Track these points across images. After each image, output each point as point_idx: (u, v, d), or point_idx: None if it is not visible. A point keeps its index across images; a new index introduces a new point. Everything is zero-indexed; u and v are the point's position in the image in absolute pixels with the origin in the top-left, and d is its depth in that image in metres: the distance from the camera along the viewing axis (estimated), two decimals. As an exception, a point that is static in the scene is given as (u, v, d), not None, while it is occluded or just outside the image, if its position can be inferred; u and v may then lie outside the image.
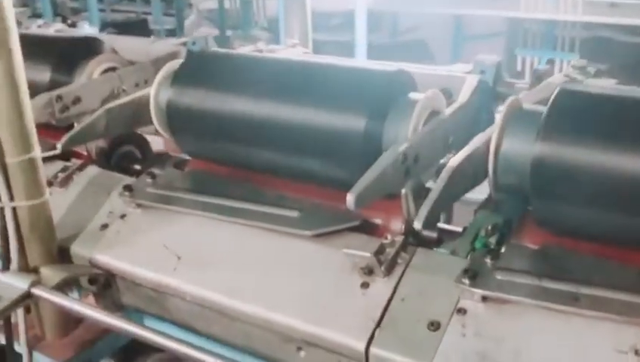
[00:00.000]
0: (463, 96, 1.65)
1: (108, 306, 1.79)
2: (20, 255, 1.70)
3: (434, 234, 1.62)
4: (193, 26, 8.37)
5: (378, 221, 1.64)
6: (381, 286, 1.45)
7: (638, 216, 1.33)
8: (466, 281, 1.36)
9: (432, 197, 1.35)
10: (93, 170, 2.02)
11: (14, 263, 1.70)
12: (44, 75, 2.15)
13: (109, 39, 2.41)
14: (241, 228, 1.67)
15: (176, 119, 1.82)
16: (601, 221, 1.37)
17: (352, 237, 1.56)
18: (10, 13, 1.56)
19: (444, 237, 1.64)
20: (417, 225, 1.33)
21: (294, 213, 1.64)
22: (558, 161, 1.36)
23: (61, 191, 1.96)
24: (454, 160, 1.40)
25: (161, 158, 2.19)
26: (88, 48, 2.26)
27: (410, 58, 2.14)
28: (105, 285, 1.77)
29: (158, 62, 2.07)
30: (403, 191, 1.48)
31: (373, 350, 1.36)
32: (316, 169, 1.67)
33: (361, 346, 1.37)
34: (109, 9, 9.05)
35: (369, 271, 1.46)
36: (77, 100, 2.03)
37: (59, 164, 2.04)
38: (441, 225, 1.69)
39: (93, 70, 2.18)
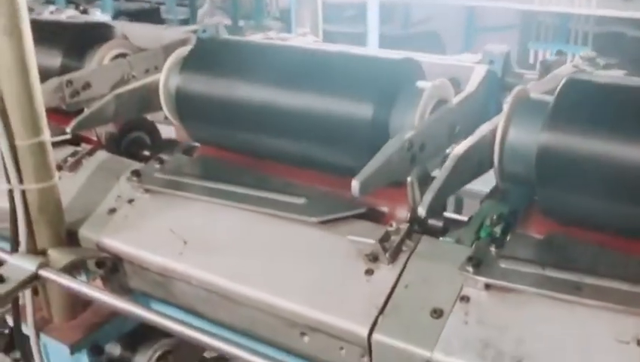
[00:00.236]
0: (470, 85, 1.65)
1: (115, 290, 1.80)
2: (29, 237, 1.72)
3: (440, 223, 1.62)
4: (206, 15, 8.38)
5: (384, 209, 1.64)
6: (385, 274, 1.45)
7: (643, 207, 1.33)
8: (470, 269, 1.36)
9: (436, 183, 1.35)
10: (102, 155, 2.03)
11: (23, 245, 1.72)
12: (55, 60, 2.16)
13: (121, 26, 2.42)
14: (247, 214, 1.68)
15: (185, 105, 1.83)
16: (606, 211, 1.37)
17: (358, 225, 1.57)
18: (22, -1, 1.57)
19: (450, 226, 1.64)
20: (421, 211, 1.33)
21: (300, 200, 1.65)
22: (563, 150, 1.36)
23: (70, 175, 1.97)
24: (460, 148, 1.40)
25: (170, 145, 2.21)
26: (99, 34, 2.27)
27: (421, 49, 2.14)
28: (112, 269, 1.78)
29: (169, 49, 2.07)
30: (409, 178, 1.48)
31: (375, 336, 1.37)
32: (323, 156, 1.68)
33: (363, 332, 1.38)
34: (122, -3, 9.07)
35: (374, 258, 1.47)
36: (87, 85, 2.05)
37: (69, 149, 2.05)
38: (447, 214, 1.69)
39: (103, 56, 2.19)
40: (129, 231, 1.77)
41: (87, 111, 1.85)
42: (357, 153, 1.56)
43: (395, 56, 1.70)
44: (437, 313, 1.36)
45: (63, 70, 2.12)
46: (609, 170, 1.33)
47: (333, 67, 1.69)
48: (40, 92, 1.67)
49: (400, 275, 1.44)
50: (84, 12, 3.08)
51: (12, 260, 1.67)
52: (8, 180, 1.69)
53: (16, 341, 1.88)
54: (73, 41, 2.21)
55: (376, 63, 1.67)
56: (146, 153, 2.18)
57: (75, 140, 2.10)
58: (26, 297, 1.81)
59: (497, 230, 1.50)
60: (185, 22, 7.88)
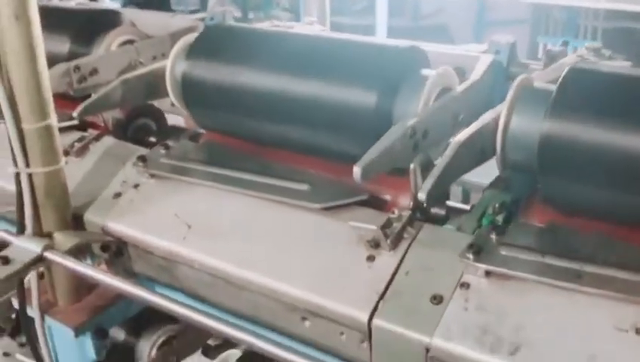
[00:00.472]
0: (475, 74, 1.65)
1: (119, 274, 1.82)
2: (35, 220, 1.74)
3: (442, 212, 1.63)
4: (216, 6, 8.37)
5: (387, 197, 1.65)
6: (386, 260, 1.46)
7: (645, 195, 1.33)
8: (470, 256, 1.37)
9: (437, 170, 1.36)
10: (109, 140, 2.05)
11: (29, 228, 1.73)
12: (63, 46, 2.18)
13: (129, 13, 2.43)
14: (250, 200, 1.69)
15: (191, 91, 1.85)
16: (607, 200, 1.37)
17: (360, 212, 1.58)
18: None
19: (453, 215, 1.65)
20: (421, 196, 1.34)
21: (304, 187, 1.65)
22: (565, 138, 1.36)
23: (77, 160, 1.99)
24: (462, 135, 1.41)
25: (177, 131, 2.22)
26: (107, 21, 2.28)
27: (430, 42, 2.15)
28: (117, 253, 1.80)
29: (176, 37, 2.08)
30: (411, 166, 1.49)
31: (375, 321, 1.38)
32: (327, 143, 1.68)
33: (364, 317, 1.39)
34: (131, -14, 9.05)
35: (375, 245, 1.48)
36: (94, 71, 2.06)
37: (76, 134, 2.07)
38: (449, 203, 1.69)
39: (111, 42, 2.21)
40: (134, 215, 1.78)
41: (93, 97, 1.86)
42: (360, 140, 1.56)
43: (399, 43, 1.70)
44: (437, 299, 1.36)
45: (71, 56, 2.13)
46: (611, 158, 1.33)
47: (338, 54, 1.69)
48: (47, 77, 1.68)
49: (401, 262, 1.45)
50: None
51: (17, 242, 1.68)
52: (15, 163, 1.71)
53: (21, 323, 1.90)
54: (81, 28, 2.23)
55: (381, 51, 1.68)
56: (153, 139, 2.20)
57: (82, 126, 2.12)
58: (32, 280, 1.83)
59: (499, 218, 1.50)
60: (195, 13, 7.86)
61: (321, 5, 4.35)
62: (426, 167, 1.50)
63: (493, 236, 1.41)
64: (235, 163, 1.79)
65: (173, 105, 1.98)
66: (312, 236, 1.58)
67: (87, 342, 1.86)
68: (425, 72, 1.61)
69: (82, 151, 2.00)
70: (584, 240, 1.39)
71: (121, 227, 1.78)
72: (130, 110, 2.17)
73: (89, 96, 2.03)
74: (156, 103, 2.25)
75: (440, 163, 1.37)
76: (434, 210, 1.62)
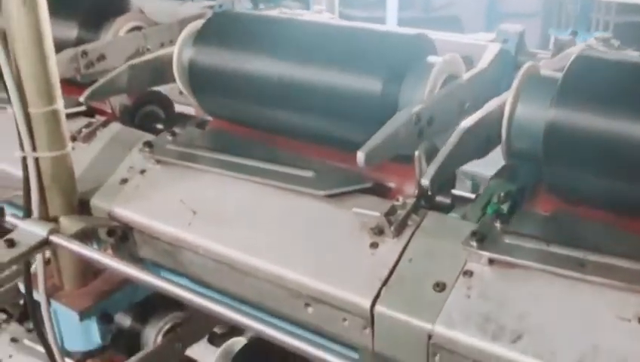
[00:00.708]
0: (482, 62, 1.64)
1: (125, 259, 1.82)
2: (41, 205, 1.74)
3: (447, 200, 1.62)
4: (227, -2, 8.36)
5: (391, 184, 1.65)
6: (390, 247, 1.46)
7: (651, 185, 1.32)
8: (474, 244, 1.36)
9: (441, 156, 1.35)
10: (116, 126, 2.05)
11: (35, 212, 1.74)
12: (71, 32, 2.18)
13: (137, 0, 2.43)
14: (256, 187, 1.69)
15: (197, 78, 1.85)
16: (613, 189, 1.36)
17: (365, 199, 1.58)
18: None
19: (459, 204, 1.65)
20: (424, 181, 1.34)
21: (309, 173, 1.65)
22: (571, 127, 1.35)
23: (84, 146, 2.00)
24: (467, 121, 1.40)
25: (184, 119, 2.22)
26: (115, 7, 2.28)
27: (439, 33, 2.14)
28: (122, 238, 1.81)
29: (184, 23, 2.08)
30: (416, 153, 1.48)
31: (378, 308, 1.38)
32: (333, 130, 1.68)
33: (366, 304, 1.39)
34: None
35: (379, 232, 1.47)
36: (102, 57, 2.06)
37: (83, 120, 2.08)
38: (455, 191, 1.69)
39: (119, 28, 2.21)
40: (140, 201, 1.79)
41: (100, 81, 1.86)
42: (366, 127, 1.55)
43: (406, 31, 1.69)
44: (440, 286, 1.36)
45: (79, 42, 2.13)
46: (617, 147, 1.32)
47: (345, 41, 1.69)
48: (54, 61, 1.69)
49: (404, 249, 1.45)
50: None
51: (24, 225, 1.69)
52: (22, 148, 1.71)
53: (28, 307, 1.91)
54: (89, 13, 2.23)
55: (388, 38, 1.68)
56: (160, 127, 2.20)
57: (90, 112, 2.13)
58: (38, 264, 1.84)
59: (504, 207, 1.50)
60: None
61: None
62: (431, 155, 1.49)
63: (498, 224, 1.40)
64: (240, 150, 1.79)
65: (181, 93, 1.98)
66: (316, 223, 1.58)
67: (93, 326, 1.87)
68: (431, 59, 1.60)
69: (89, 137, 2.01)
70: (588, 229, 1.39)
71: (127, 212, 1.78)
72: (138, 97, 2.17)
73: (96, 81, 2.04)
74: (165, 91, 2.26)
75: (444, 149, 1.37)
76: (439, 198, 1.61)
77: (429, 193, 1.50)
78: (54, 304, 1.87)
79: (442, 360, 1.32)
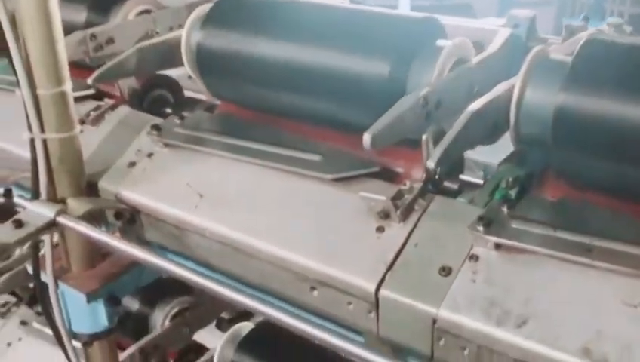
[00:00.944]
0: (492, 47, 1.63)
1: (132, 242, 1.83)
2: (49, 186, 1.75)
3: (455, 186, 1.61)
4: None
5: (399, 169, 1.64)
6: (396, 231, 1.46)
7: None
8: (480, 228, 1.35)
9: (447, 138, 1.34)
10: (124, 110, 2.05)
11: (43, 194, 1.74)
12: (80, 14, 2.18)
13: (147, -17, 2.42)
14: (263, 170, 1.69)
15: (205, 61, 1.84)
16: (621, 175, 1.35)
17: (371, 183, 1.57)
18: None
19: (466, 189, 1.64)
20: (430, 164, 1.33)
21: (316, 157, 1.65)
22: (581, 111, 1.34)
23: (93, 129, 2.00)
24: (475, 104, 1.39)
25: (193, 103, 2.22)
26: (125, -10, 2.28)
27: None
28: (130, 221, 1.81)
29: (193, 7, 2.07)
30: (424, 137, 1.47)
31: (383, 292, 1.38)
32: (340, 114, 1.68)
33: (371, 288, 1.39)
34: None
35: (385, 216, 1.47)
36: (110, 40, 2.06)
37: (92, 104, 2.08)
38: (463, 177, 1.68)
39: (128, 11, 2.20)
40: (147, 184, 1.79)
41: (108, 63, 1.86)
42: (374, 111, 1.54)
43: (416, 15, 1.68)
44: (445, 271, 1.35)
45: (88, 25, 2.13)
46: (626, 132, 1.30)
47: (353, 24, 1.68)
48: (62, 42, 1.68)
49: (410, 233, 1.44)
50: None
51: (31, 206, 1.70)
52: (30, 129, 1.72)
53: (35, 288, 1.92)
54: (98, -3, 2.23)
55: (396, 21, 1.66)
56: (168, 111, 2.20)
57: (99, 96, 2.13)
58: (46, 246, 1.84)
59: (512, 193, 1.49)
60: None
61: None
62: (439, 139, 1.48)
63: (505, 209, 1.39)
64: (248, 133, 1.79)
65: (190, 77, 1.98)
66: (322, 206, 1.57)
67: (100, 308, 1.87)
68: (440, 42, 1.59)
69: (98, 119, 2.01)
70: (596, 215, 1.37)
71: (134, 195, 1.79)
72: (147, 80, 2.17)
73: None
74: (175, 76, 2.26)
75: (451, 132, 1.36)
76: (446, 184, 1.60)
77: (436, 177, 1.50)
78: (62, 286, 1.87)
79: (447, 344, 1.32)
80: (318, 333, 1.34)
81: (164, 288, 2.51)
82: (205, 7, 1.89)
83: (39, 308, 2.54)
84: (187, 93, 2.33)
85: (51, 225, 1.67)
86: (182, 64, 1.90)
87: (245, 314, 2.59)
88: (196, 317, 2.46)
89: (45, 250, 1.85)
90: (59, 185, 1.77)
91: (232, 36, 1.79)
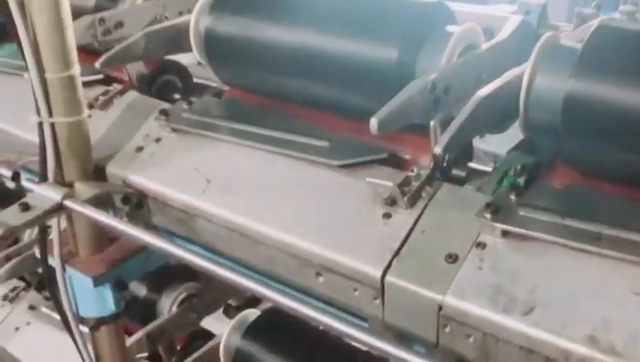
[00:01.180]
0: (502, 33, 1.61)
1: (139, 227, 1.83)
2: (56, 170, 1.75)
3: (463, 173, 1.60)
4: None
5: (407, 156, 1.63)
6: (403, 218, 1.45)
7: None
8: (488, 215, 1.34)
9: (456, 123, 1.33)
10: (133, 95, 2.05)
11: (50, 178, 1.75)
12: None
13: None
14: (270, 156, 1.68)
15: (214, 46, 1.83)
16: (631, 162, 1.33)
17: (379, 170, 1.56)
18: None
19: (474, 176, 1.62)
20: (437, 149, 1.32)
21: (323, 143, 1.64)
22: (591, 98, 1.32)
23: (101, 113, 2.00)
24: (484, 90, 1.38)
25: (201, 89, 2.22)
26: (134, -26, 2.27)
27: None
28: (137, 205, 1.81)
29: (203, -8, 2.06)
30: (432, 123, 1.46)
31: (388, 278, 1.37)
32: (348, 100, 1.67)
33: (377, 274, 1.38)
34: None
35: (392, 202, 1.46)
36: (119, 25, 2.06)
37: (100, 88, 2.09)
38: (471, 164, 1.66)
39: (137, -4, 2.20)
40: (155, 168, 1.79)
41: (116, 47, 1.86)
42: (382, 97, 1.53)
43: (426, 0, 1.66)
44: (452, 258, 1.34)
45: (97, 9, 2.13)
46: (637, 119, 1.29)
47: (362, 9, 1.66)
48: (71, 26, 1.68)
49: (417, 220, 1.43)
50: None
51: (38, 189, 1.70)
52: (38, 113, 1.72)
53: (43, 272, 1.93)
54: (108, -19, 2.22)
55: (406, 6, 1.64)
56: (177, 97, 2.19)
57: (107, 81, 2.13)
58: (53, 230, 1.84)
59: (520, 181, 1.47)
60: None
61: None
62: (447, 126, 1.47)
63: (513, 196, 1.38)
64: (256, 119, 1.78)
65: (199, 63, 1.98)
66: (329, 192, 1.57)
67: (107, 292, 1.87)
68: (450, 28, 1.57)
69: (106, 104, 2.01)
70: (605, 203, 1.36)
71: (141, 180, 1.79)
72: (156, 66, 2.17)
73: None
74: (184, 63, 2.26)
75: (459, 117, 1.35)
76: (454, 171, 1.59)
77: (444, 164, 1.49)
78: (69, 270, 1.88)
79: (452, 331, 1.31)
80: (326, 319, 1.33)
81: (171, 274, 2.52)
82: (214, -8, 1.88)
83: (47, 293, 2.55)
84: (196, 81, 2.32)
85: (58, 209, 1.67)
86: (190, 49, 1.89)
87: (252, 301, 2.59)
88: (203, 304, 2.47)
89: (53, 234, 1.85)
90: (66, 169, 1.77)
91: (240, 21, 1.78)
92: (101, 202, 1.76)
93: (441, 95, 1.43)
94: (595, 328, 1.17)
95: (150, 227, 1.82)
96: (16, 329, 2.75)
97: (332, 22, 1.66)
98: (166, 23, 1.93)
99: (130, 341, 2.18)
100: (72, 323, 1.93)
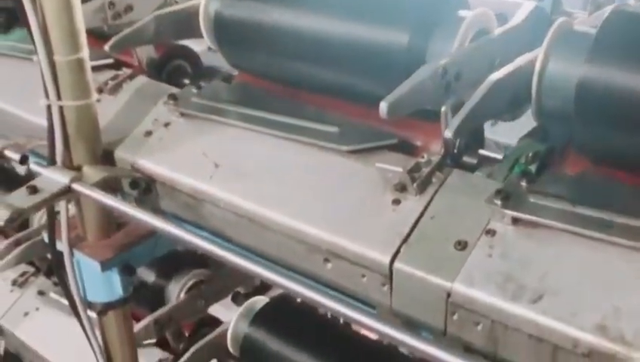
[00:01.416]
0: (515, 19, 1.59)
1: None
2: (65, 153, 1.74)
3: (474, 160, 1.58)
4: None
5: (417, 142, 1.61)
6: (412, 204, 1.43)
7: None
8: (498, 202, 1.32)
9: (467, 107, 1.31)
10: (142, 79, 2.04)
11: (58, 161, 1.74)
12: (99, -17, 2.17)
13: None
14: (279, 141, 1.67)
15: (223, 30, 1.82)
16: (644, 150, 1.32)
17: (389, 155, 1.54)
18: None
19: (485, 164, 1.60)
20: (448, 133, 1.30)
21: (333, 129, 1.63)
22: (604, 84, 1.30)
23: (110, 98, 1.99)
24: (496, 74, 1.36)
25: (211, 74, 2.21)
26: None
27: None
28: (145, 190, 1.80)
29: (213, -24, 2.05)
30: (443, 108, 1.44)
31: (397, 264, 1.35)
32: (358, 84, 1.65)
33: (385, 260, 1.37)
34: None
35: (401, 188, 1.44)
36: (129, 8, 2.05)
37: (110, 73, 2.07)
38: (482, 151, 1.65)
39: (147, -21, 2.19)
40: (163, 153, 1.78)
41: (126, 31, 1.85)
42: (392, 83, 1.52)
43: (437, -15, 1.65)
44: (461, 245, 1.33)
45: (107, -7, 2.13)
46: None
47: (373, -7, 1.65)
48: (80, 9, 1.67)
49: (427, 206, 1.42)
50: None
51: (47, 173, 1.69)
52: (47, 96, 1.71)
53: (51, 256, 1.93)
54: (117, -36, 2.21)
55: (417, -10, 1.63)
56: (187, 82, 2.18)
57: (117, 65, 2.12)
58: (61, 214, 1.84)
59: (532, 168, 1.45)
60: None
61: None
62: (458, 111, 1.46)
63: (524, 183, 1.36)
64: (265, 104, 1.77)
65: (210, 48, 1.97)
66: (338, 178, 1.55)
67: (115, 277, 1.87)
68: (462, 12, 1.55)
69: (115, 89, 2.00)
70: (617, 191, 1.34)
71: (150, 164, 1.78)
72: (166, 50, 2.16)
73: (123, 32, 2.02)
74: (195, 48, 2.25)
75: (470, 101, 1.33)
76: (465, 158, 1.57)
77: (455, 150, 1.47)
78: (77, 255, 1.88)
79: (460, 319, 1.30)
80: (334, 305, 1.31)
81: (180, 260, 2.52)
82: (224, -24, 1.86)
83: (56, 279, 2.55)
84: (207, 67, 2.31)
85: (66, 192, 1.66)
86: (200, 33, 1.88)
87: (261, 290, 2.59)
88: (212, 290, 2.46)
89: (61, 218, 1.85)
90: (75, 153, 1.77)
91: (250, 4, 1.77)
92: (109, 186, 1.75)
93: (453, 80, 1.41)
94: (605, 316, 1.15)
95: (158, 212, 1.82)
96: (25, 314, 2.76)
97: (343, 6, 1.64)
98: (176, 7, 1.92)
99: (138, 327, 2.18)
100: (80, 308, 1.93)
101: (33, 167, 1.75)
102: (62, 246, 1.88)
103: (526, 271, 1.26)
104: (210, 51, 2.13)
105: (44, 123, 1.76)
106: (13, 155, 1.77)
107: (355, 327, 2.15)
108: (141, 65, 2.14)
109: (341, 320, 2.20)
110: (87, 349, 2.02)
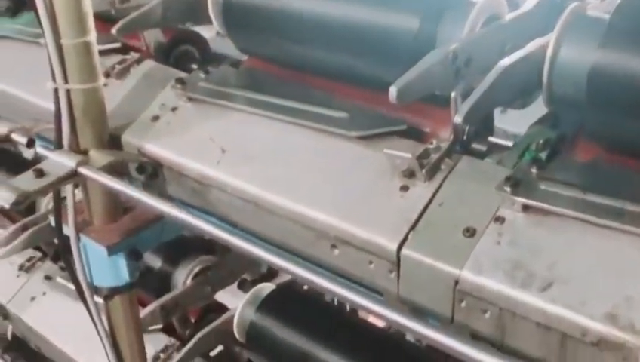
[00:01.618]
0: (527, 4, 1.56)
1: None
2: (71, 137, 1.74)
3: (483, 148, 1.56)
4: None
5: (427, 129, 1.59)
6: (421, 190, 1.42)
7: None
8: (508, 189, 1.31)
9: (477, 92, 1.30)
10: (149, 63, 2.03)
11: (65, 145, 1.74)
12: (108, -34, 2.16)
13: None
14: (287, 126, 1.66)
15: (231, 14, 1.81)
16: (657, 138, 1.30)
17: (397, 141, 1.53)
18: None
19: (495, 150, 1.59)
20: (457, 119, 1.29)
21: (341, 114, 1.61)
22: (617, 70, 1.28)
23: (118, 82, 1.98)
24: (506, 60, 1.34)
25: (219, 59, 2.19)
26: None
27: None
28: (152, 175, 1.80)
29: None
30: (452, 94, 1.43)
31: (404, 251, 1.34)
32: (368, 70, 1.63)
33: (393, 247, 1.35)
34: None
35: (410, 175, 1.43)
36: (136, -8, 2.04)
37: (117, 57, 2.06)
38: (492, 138, 1.63)
39: (155, -38, 2.17)
40: (170, 138, 1.77)
41: (133, 14, 1.84)
42: (402, 68, 1.50)
43: (448, -31, 1.62)
44: (470, 232, 1.31)
45: (115, -24, 2.12)
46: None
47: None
48: (87, -8, 1.66)
49: (435, 193, 1.40)
50: None
51: (53, 156, 1.69)
52: (54, 79, 1.70)
53: (57, 240, 1.92)
54: (126, -53, 2.20)
55: (428, -26, 1.61)
56: (195, 67, 2.17)
57: (124, 49, 2.11)
58: (68, 198, 1.84)
59: (542, 155, 1.44)
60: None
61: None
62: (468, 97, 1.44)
63: (534, 170, 1.34)
64: (273, 89, 1.76)
65: (218, 33, 1.95)
66: (346, 164, 1.54)
67: (121, 262, 1.87)
68: (473, -3, 1.54)
69: (123, 73, 1.99)
70: (629, 179, 1.32)
71: (157, 149, 1.77)
72: (173, 35, 2.15)
73: (131, 16, 2.01)
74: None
75: (480, 86, 1.31)
76: (475, 145, 1.55)
77: (464, 136, 1.46)
78: (84, 239, 1.87)
79: (468, 306, 1.29)
80: (341, 291, 1.29)
81: (187, 246, 2.52)
82: (232, -41, 1.85)
83: (63, 264, 2.55)
84: (215, 52, 2.30)
85: (73, 175, 1.65)
86: (208, 18, 1.86)
87: (267, 277, 2.59)
88: (218, 277, 2.46)
89: (67, 202, 1.84)
90: (81, 137, 1.76)
91: (259, -12, 1.75)
92: (116, 171, 1.74)
93: (463, 66, 1.39)
94: (617, 305, 1.14)
95: (165, 197, 1.81)
96: (32, 298, 2.77)
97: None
98: (184, -10, 1.91)
99: (144, 312, 2.18)
100: (86, 292, 1.93)
101: (40, 150, 1.75)
102: (68, 230, 1.87)
103: (535, 258, 1.25)
104: (218, 37, 2.12)
105: (51, 106, 1.76)
106: (20, 139, 1.76)
107: (361, 315, 2.14)
108: (149, 50, 2.13)
109: (348, 308, 2.20)
110: (93, 334, 2.02)
